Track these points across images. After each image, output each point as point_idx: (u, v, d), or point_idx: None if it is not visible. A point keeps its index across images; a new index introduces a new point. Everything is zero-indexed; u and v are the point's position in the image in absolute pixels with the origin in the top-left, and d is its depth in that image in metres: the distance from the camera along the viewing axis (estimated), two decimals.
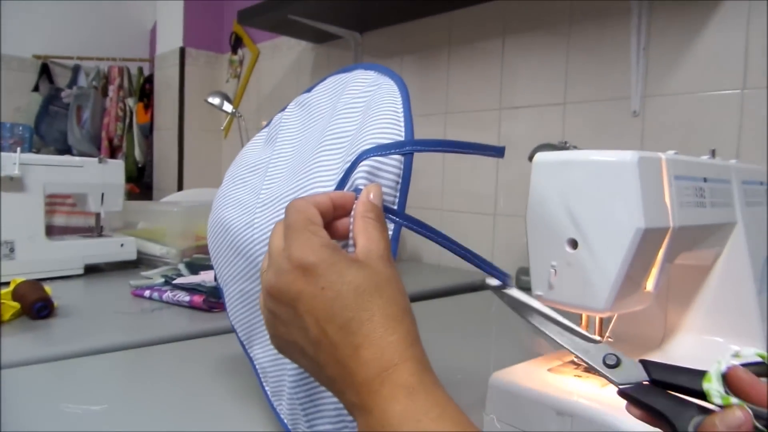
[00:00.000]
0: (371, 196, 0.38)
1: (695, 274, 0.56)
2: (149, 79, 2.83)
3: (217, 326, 0.82)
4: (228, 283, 0.55)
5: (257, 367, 0.52)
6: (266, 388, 0.51)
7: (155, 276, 1.13)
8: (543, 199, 0.48)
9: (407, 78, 1.59)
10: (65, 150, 2.81)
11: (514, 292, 0.41)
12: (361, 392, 0.32)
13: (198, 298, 0.91)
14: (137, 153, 2.79)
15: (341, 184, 0.42)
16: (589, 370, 0.49)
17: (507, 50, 1.41)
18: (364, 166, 0.41)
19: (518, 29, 1.38)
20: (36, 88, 2.98)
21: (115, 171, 1.27)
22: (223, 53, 2.56)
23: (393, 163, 0.41)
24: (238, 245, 0.52)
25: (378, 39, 1.76)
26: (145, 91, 2.83)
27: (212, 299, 0.91)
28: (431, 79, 1.59)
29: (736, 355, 0.32)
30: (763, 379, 0.31)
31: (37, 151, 1.36)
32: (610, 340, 0.52)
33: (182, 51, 2.48)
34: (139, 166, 2.81)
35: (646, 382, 0.34)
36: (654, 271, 0.48)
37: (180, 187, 2.46)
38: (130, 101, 2.87)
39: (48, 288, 0.86)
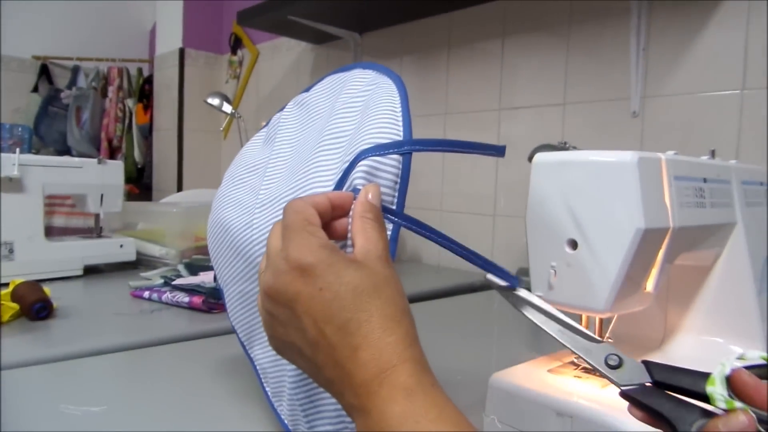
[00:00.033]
0: (370, 196, 0.38)
1: (695, 275, 0.55)
2: (149, 80, 2.83)
3: (217, 327, 0.82)
4: (228, 283, 0.55)
5: (258, 367, 0.52)
6: (267, 389, 0.51)
7: (154, 277, 1.13)
8: (543, 199, 0.48)
9: (407, 78, 1.58)
10: (64, 151, 2.81)
11: (522, 293, 0.41)
12: (359, 393, 0.31)
13: (197, 299, 0.91)
14: (137, 154, 2.79)
15: (340, 184, 0.42)
16: (592, 370, 0.50)
17: (507, 51, 1.41)
18: (363, 166, 0.40)
19: (518, 30, 1.38)
20: (35, 89, 2.98)
21: (114, 172, 1.27)
22: (222, 54, 2.56)
23: (391, 163, 0.41)
24: (238, 246, 0.52)
25: (377, 39, 1.76)
26: (144, 92, 2.83)
27: (211, 300, 0.91)
28: (431, 80, 1.59)
29: (740, 357, 0.32)
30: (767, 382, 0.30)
31: (37, 152, 1.36)
32: (610, 340, 0.52)
33: (182, 52, 2.48)
34: (139, 166, 2.81)
35: (649, 384, 0.34)
36: (654, 272, 0.48)
37: (179, 188, 2.46)
38: (130, 102, 2.87)
39: (47, 289, 0.86)
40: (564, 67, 1.29)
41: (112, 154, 2.85)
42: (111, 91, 2.90)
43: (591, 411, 0.43)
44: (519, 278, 0.42)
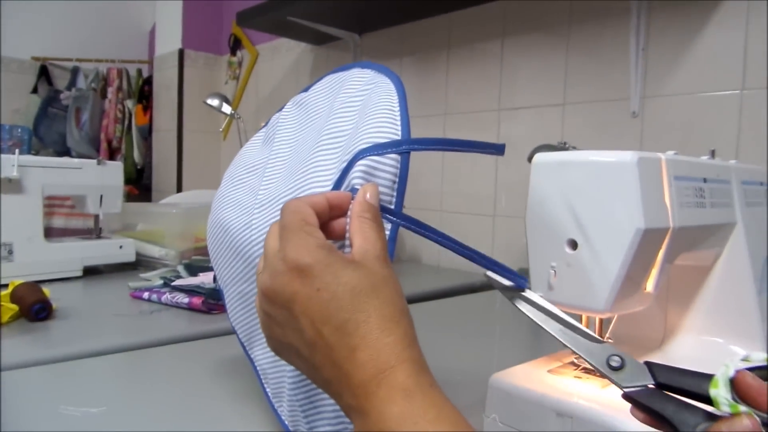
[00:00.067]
0: (368, 195, 0.38)
1: (695, 275, 0.55)
2: (148, 81, 2.83)
3: (216, 328, 0.82)
4: (228, 284, 0.55)
5: (258, 368, 0.52)
6: (267, 390, 0.51)
7: (154, 278, 1.13)
8: (542, 199, 0.48)
9: (406, 79, 1.59)
10: (64, 152, 2.81)
11: (527, 293, 0.41)
12: (357, 394, 0.31)
13: (197, 300, 0.91)
14: (136, 155, 2.79)
15: (338, 184, 0.42)
16: (593, 371, 0.49)
17: (506, 51, 1.41)
18: (361, 165, 0.40)
19: (517, 30, 1.38)
20: (35, 90, 2.98)
21: (113, 173, 1.26)
22: (222, 55, 2.56)
23: (390, 162, 0.40)
24: (237, 246, 0.51)
25: (377, 40, 1.76)
26: (144, 93, 2.83)
27: (211, 301, 0.90)
28: (430, 80, 1.59)
29: (745, 359, 0.31)
30: None
31: (36, 153, 1.37)
32: (610, 341, 0.52)
33: (181, 52, 2.48)
34: (138, 167, 2.81)
35: (652, 386, 0.34)
36: (654, 272, 0.48)
37: (179, 189, 2.46)
38: (129, 103, 2.87)
39: (46, 290, 0.86)
40: (564, 67, 1.29)
41: (112, 155, 2.85)
42: (110, 92, 2.90)
43: (591, 411, 0.43)
44: (524, 278, 0.42)
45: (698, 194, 0.50)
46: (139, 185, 2.78)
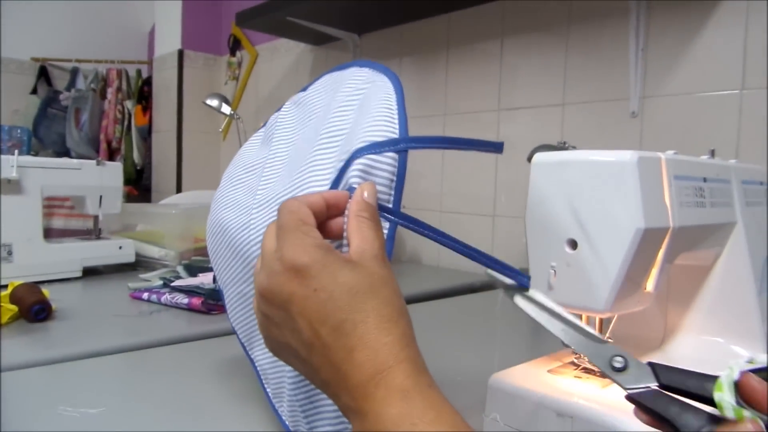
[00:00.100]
0: (365, 194, 0.38)
1: (695, 275, 0.55)
2: (147, 82, 2.83)
3: (216, 328, 0.82)
4: (227, 285, 0.55)
5: (258, 368, 0.52)
6: (267, 390, 0.51)
7: (153, 278, 1.13)
8: (542, 199, 0.48)
9: (406, 79, 1.59)
10: (63, 152, 2.81)
11: (530, 292, 0.41)
12: (355, 395, 0.31)
13: (196, 301, 0.91)
14: (136, 155, 2.79)
15: (336, 183, 0.41)
16: (593, 371, 0.49)
17: (506, 51, 1.41)
18: (358, 164, 0.40)
19: (517, 30, 1.38)
20: (34, 91, 2.98)
21: (113, 173, 1.26)
22: (221, 55, 2.56)
23: (387, 161, 0.40)
24: (236, 247, 0.51)
25: (376, 40, 1.76)
26: (143, 94, 2.82)
27: (211, 301, 0.90)
28: (430, 81, 1.59)
29: (750, 361, 0.31)
30: None
31: (36, 154, 1.36)
32: (610, 341, 0.52)
33: (180, 53, 2.48)
34: (138, 168, 2.81)
35: (655, 387, 0.34)
36: (654, 272, 0.47)
37: (178, 190, 2.46)
38: (129, 103, 2.87)
39: (46, 291, 0.86)
40: (563, 67, 1.28)
41: (111, 156, 2.85)
42: (110, 92, 2.90)
43: (591, 411, 0.42)
44: (529, 276, 0.41)
45: (698, 194, 0.50)
46: (139, 186, 2.78)
